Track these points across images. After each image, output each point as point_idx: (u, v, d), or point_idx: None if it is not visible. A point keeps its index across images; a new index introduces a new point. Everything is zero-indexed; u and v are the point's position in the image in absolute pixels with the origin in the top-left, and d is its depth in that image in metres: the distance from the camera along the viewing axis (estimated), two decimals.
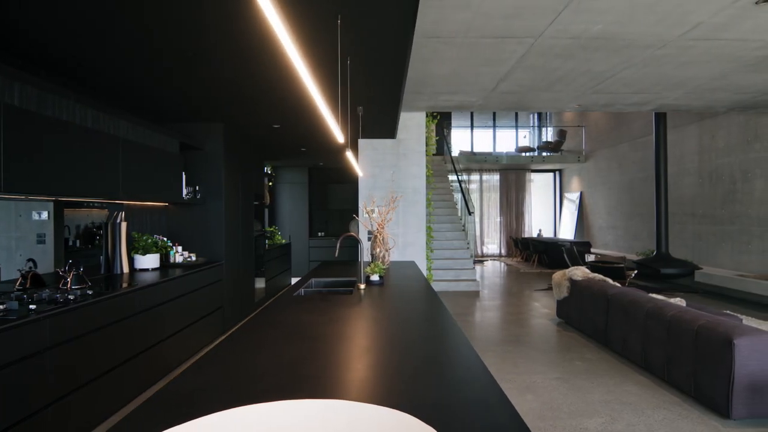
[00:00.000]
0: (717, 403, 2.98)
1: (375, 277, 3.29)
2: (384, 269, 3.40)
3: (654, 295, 4.41)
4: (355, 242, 7.19)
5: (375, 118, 4.86)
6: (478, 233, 14.32)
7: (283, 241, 8.90)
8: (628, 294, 4.24)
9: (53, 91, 2.85)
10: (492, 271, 10.91)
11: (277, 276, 8.05)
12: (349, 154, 3.26)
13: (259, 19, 2.40)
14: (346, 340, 1.78)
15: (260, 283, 6.97)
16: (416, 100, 5.53)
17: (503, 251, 14.37)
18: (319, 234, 10.18)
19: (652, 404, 3.18)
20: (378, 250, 4.20)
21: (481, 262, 12.81)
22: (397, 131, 6.22)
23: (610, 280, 4.93)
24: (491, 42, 3.70)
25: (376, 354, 1.60)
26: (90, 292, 2.95)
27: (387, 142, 6.22)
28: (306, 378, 1.36)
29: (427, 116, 6.42)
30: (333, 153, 7.16)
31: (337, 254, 3.14)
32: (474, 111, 6.53)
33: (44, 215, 3.52)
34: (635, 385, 3.51)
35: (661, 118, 7.81)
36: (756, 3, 3.06)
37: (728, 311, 5.86)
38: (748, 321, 5.46)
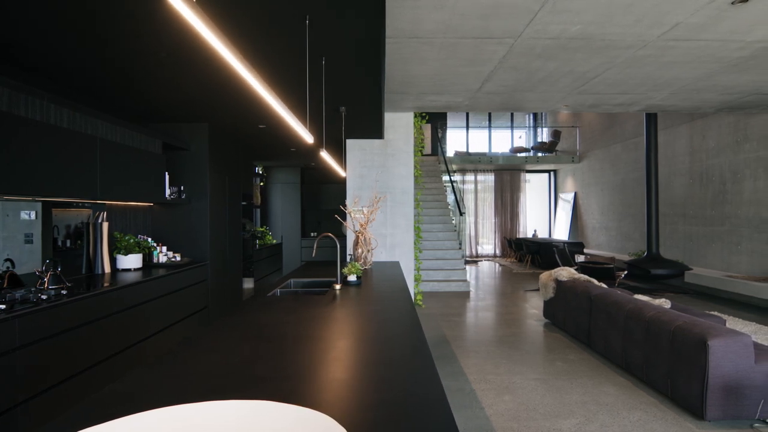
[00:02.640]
0: (692, 405, 2.98)
1: (352, 278, 3.28)
2: (362, 270, 3.40)
3: (639, 296, 4.41)
4: (343, 242, 7.18)
5: (359, 118, 4.85)
6: (472, 234, 14.32)
7: (274, 241, 8.90)
8: (610, 295, 4.23)
9: (26, 91, 2.85)
10: (485, 271, 10.90)
11: (268, 276, 8.05)
12: (325, 155, 3.25)
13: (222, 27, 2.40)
14: (304, 341, 1.78)
15: (249, 284, 6.97)
16: (403, 100, 5.53)
17: (498, 252, 14.36)
18: (312, 234, 10.18)
19: (628, 405, 3.17)
20: (360, 250, 4.19)
21: (475, 262, 12.81)
22: (385, 132, 6.21)
23: (595, 281, 4.92)
24: (471, 42, 3.69)
25: (330, 355, 1.60)
26: (64, 292, 2.95)
27: (375, 143, 6.21)
28: (253, 379, 1.35)
29: (415, 116, 6.42)
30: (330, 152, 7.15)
31: (314, 254, 3.13)
32: (462, 111, 6.53)
33: (32, 215, 3.52)
34: (614, 386, 3.51)
35: (651, 119, 7.81)
36: (732, 3, 3.06)
37: (715, 312, 5.86)
38: (734, 322, 5.47)
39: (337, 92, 3.89)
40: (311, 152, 7.53)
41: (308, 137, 2.65)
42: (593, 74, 4.53)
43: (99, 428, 0.95)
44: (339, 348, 1.69)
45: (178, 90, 3.76)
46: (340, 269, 3.28)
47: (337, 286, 3.04)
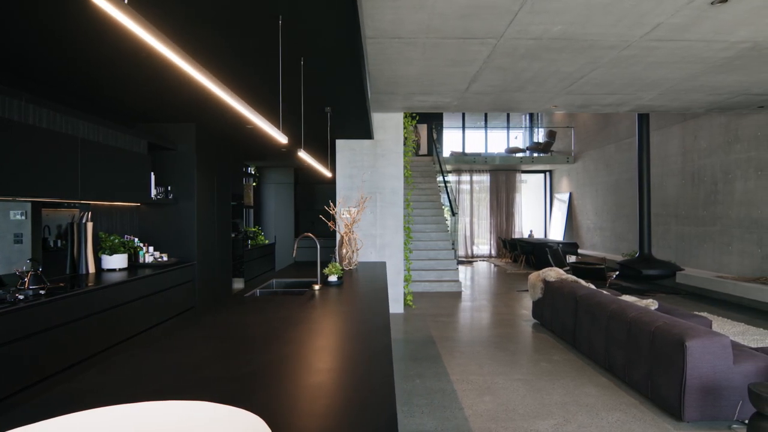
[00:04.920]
0: (671, 406, 2.97)
1: (333, 278, 3.28)
2: (342, 270, 3.39)
3: (625, 297, 4.40)
4: (330, 243, 7.18)
5: (346, 118, 4.85)
6: (468, 234, 14.31)
7: (266, 241, 8.90)
8: (595, 296, 4.23)
9: (2, 92, 2.85)
10: (479, 271, 10.90)
11: (259, 276, 8.05)
12: (303, 155, 3.24)
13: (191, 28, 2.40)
14: (267, 342, 1.77)
15: (239, 284, 6.97)
16: (391, 100, 5.53)
17: (493, 252, 14.36)
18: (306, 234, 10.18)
19: (608, 406, 3.17)
20: (345, 250, 4.19)
21: (471, 262, 12.80)
22: (375, 132, 6.21)
23: (583, 282, 4.92)
24: (454, 43, 3.69)
25: (288, 357, 1.59)
26: (42, 293, 2.94)
27: (364, 143, 6.21)
28: (205, 379, 1.35)
29: (405, 117, 6.42)
30: (315, 153, 7.15)
31: (294, 254, 3.13)
32: (452, 111, 6.53)
33: (22, 215, 3.52)
34: (595, 387, 3.50)
35: (644, 119, 7.81)
36: (711, 3, 3.05)
37: (703, 313, 5.85)
38: (722, 322, 5.47)
39: (320, 93, 3.89)
40: (310, 152, 7.52)
41: (282, 138, 2.64)
42: (579, 75, 4.53)
43: (30, 428, 0.94)
44: (299, 350, 1.69)
45: (162, 91, 3.76)
46: (321, 270, 3.28)
47: (316, 287, 3.04)
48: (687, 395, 2.85)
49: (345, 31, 2.56)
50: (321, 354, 1.64)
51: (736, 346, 3.19)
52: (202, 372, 1.42)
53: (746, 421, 2.87)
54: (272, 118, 4.36)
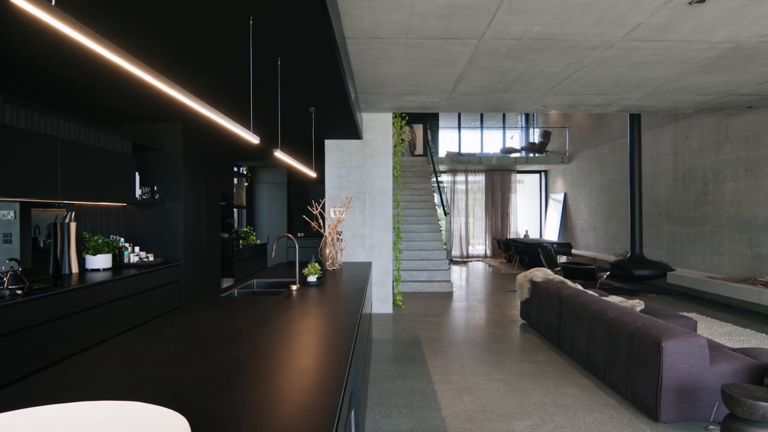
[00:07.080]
0: (648, 406, 2.97)
1: (312, 279, 3.28)
2: (321, 271, 3.39)
3: (612, 297, 4.40)
4: (313, 243, 7.15)
5: (331, 118, 4.85)
6: (463, 234, 14.31)
7: (258, 241, 8.89)
8: (579, 296, 4.22)
9: None
10: (473, 271, 10.89)
11: (250, 276, 8.05)
12: (280, 154, 3.23)
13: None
14: (229, 342, 1.77)
15: (229, 284, 6.97)
16: (378, 100, 5.53)
17: (489, 252, 14.35)
18: (299, 234, 10.17)
19: (586, 407, 3.17)
20: (328, 250, 4.19)
21: (465, 263, 12.80)
22: (364, 132, 6.21)
23: (569, 282, 4.91)
24: (436, 43, 3.69)
25: (245, 358, 1.58)
26: (19, 292, 2.94)
27: (353, 143, 6.21)
28: (154, 379, 1.35)
29: (394, 117, 6.41)
30: (302, 153, 7.16)
31: (273, 255, 3.13)
32: (441, 111, 6.52)
33: (11, 215, 3.52)
34: (575, 387, 3.50)
35: (635, 120, 7.81)
36: (689, 3, 3.05)
37: (692, 313, 5.85)
38: (710, 323, 5.46)
39: (301, 93, 3.89)
40: (294, 152, 7.52)
41: (252, 138, 2.64)
42: (564, 75, 4.53)
43: None
44: (258, 351, 1.68)
45: (146, 91, 3.76)
46: (299, 270, 3.28)
47: (294, 287, 3.04)
48: (663, 396, 2.85)
49: (317, 30, 2.56)
50: (280, 355, 1.63)
51: (714, 346, 3.19)
52: (155, 372, 1.42)
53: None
54: (246, 118, 4.36)
